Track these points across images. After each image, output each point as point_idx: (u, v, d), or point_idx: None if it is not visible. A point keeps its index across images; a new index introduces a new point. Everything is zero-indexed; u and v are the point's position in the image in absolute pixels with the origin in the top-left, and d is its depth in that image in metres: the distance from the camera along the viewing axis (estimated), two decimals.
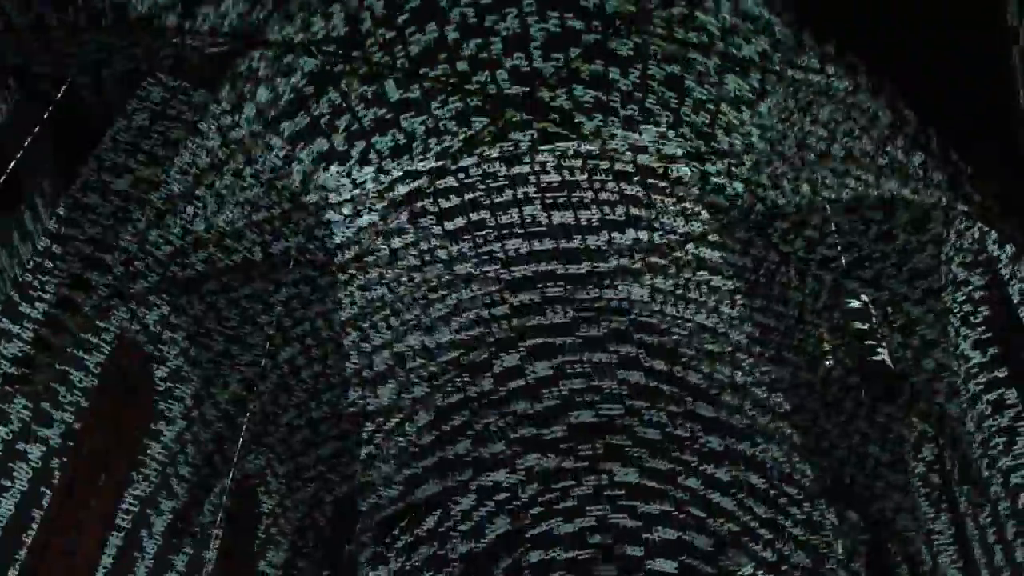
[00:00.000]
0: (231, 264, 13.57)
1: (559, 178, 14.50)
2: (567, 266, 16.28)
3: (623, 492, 22.94)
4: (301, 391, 16.39)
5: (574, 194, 14.77)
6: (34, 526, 11.03)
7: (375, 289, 15.63)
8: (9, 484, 10.78)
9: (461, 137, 13.54)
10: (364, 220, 14.46)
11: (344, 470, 18.20)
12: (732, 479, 20.62)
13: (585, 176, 14.40)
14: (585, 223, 15.34)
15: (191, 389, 14.60)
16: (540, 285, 16.71)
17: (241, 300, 14.43)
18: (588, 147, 13.76)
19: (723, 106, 12.00)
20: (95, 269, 11.76)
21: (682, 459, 21.34)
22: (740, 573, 22.51)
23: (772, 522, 20.60)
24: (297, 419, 16.81)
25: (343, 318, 15.75)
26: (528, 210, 15.16)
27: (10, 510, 10.70)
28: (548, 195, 14.86)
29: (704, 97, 12.07)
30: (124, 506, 13.07)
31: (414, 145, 13.54)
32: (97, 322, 12.61)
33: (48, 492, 11.33)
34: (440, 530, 21.82)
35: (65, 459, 11.73)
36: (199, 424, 14.71)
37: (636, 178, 14.22)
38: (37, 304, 11.42)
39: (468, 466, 20.97)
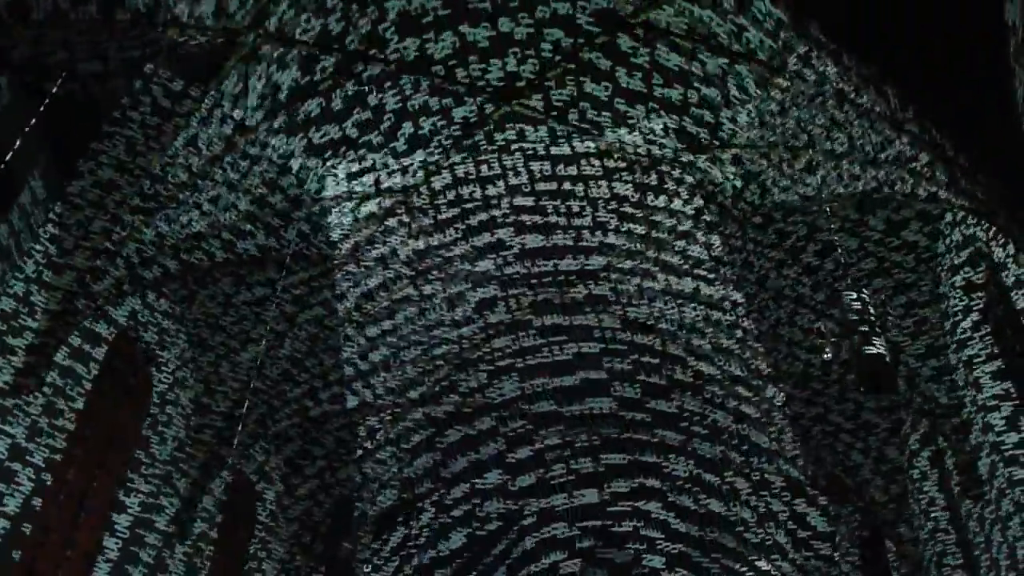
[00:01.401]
0: (225, 260, 13.52)
1: (554, 173, 14.49)
2: (561, 261, 16.26)
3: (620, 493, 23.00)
4: (296, 388, 16.34)
5: (568, 187, 14.74)
6: (31, 524, 10.99)
7: (367, 285, 15.60)
8: (7, 483, 10.75)
9: (457, 134, 13.52)
10: (361, 216, 14.43)
11: (340, 467, 18.17)
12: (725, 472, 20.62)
13: (580, 169, 14.39)
14: (581, 217, 15.32)
15: (188, 386, 14.56)
16: (534, 281, 16.71)
17: (239, 294, 14.39)
18: (584, 140, 13.74)
19: (719, 99, 11.99)
20: (91, 265, 11.72)
21: (675, 459, 21.35)
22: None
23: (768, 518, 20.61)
24: (293, 416, 16.76)
25: (337, 314, 15.71)
26: (521, 204, 15.14)
27: (7, 508, 10.67)
28: (542, 190, 14.83)
29: (700, 90, 12.06)
30: (120, 503, 13.04)
31: (411, 142, 13.53)
32: (94, 318, 12.57)
33: (45, 491, 11.28)
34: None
35: (62, 457, 11.68)
36: (196, 421, 14.66)
37: (631, 171, 14.20)
38: (34, 302, 11.37)
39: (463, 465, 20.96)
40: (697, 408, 19.12)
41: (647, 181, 14.22)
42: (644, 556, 23.95)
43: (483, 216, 15.19)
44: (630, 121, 13.19)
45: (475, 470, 21.19)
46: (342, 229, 14.46)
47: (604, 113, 13.17)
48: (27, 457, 11.12)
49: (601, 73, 12.45)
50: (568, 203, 15.05)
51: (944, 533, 14.38)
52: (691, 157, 13.31)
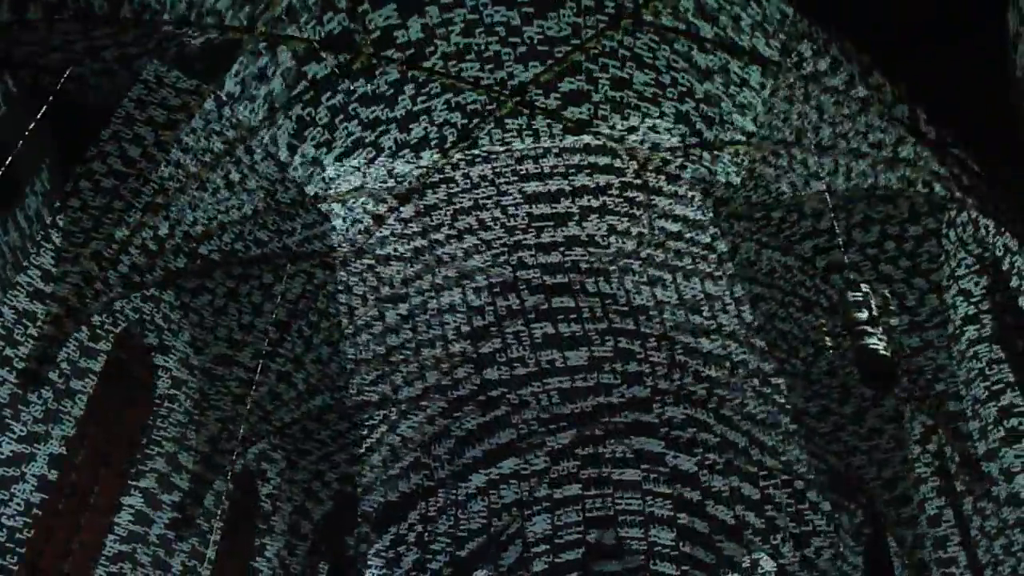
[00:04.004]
0: (232, 257, 13.55)
1: (554, 171, 14.48)
2: (564, 259, 16.26)
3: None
4: (300, 384, 16.38)
5: (572, 186, 14.74)
6: (34, 522, 11.03)
7: (372, 282, 15.62)
8: (9, 482, 10.80)
9: (459, 133, 13.52)
10: (363, 215, 14.45)
11: (344, 463, 18.21)
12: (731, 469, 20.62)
13: (583, 167, 14.38)
14: (582, 214, 15.33)
15: (192, 383, 14.60)
16: (541, 277, 16.70)
17: (242, 293, 14.43)
18: (584, 137, 13.74)
19: (722, 94, 11.98)
20: (94, 263, 11.75)
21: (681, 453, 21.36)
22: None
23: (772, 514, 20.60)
24: (296, 412, 16.80)
25: (342, 310, 15.74)
26: (526, 204, 15.14)
27: (10, 506, 10.72)
28: (544, 188, 14.83)
29: (703, 85, 12.05)
30: (124, 500, 13.09)
31: (415, 141, 13.53)
32: (98, 316, 12.60)
33: (48, 488, 11.33)
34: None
35: (65, 455, 11.73)
36: (198, 418, 14.70)
37: (633, 168, 14.19)
38: (36, 300, 11.41)
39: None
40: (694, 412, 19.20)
41: (650, 176, 14.22)
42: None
43: (484, 214, 15.22)
44: (634, 116, 13.19)
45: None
46: (343, 227, 14.48)
47: (607, 109, 13.17)
48: (31, 455, 11.18)
49: (605, 68, 12.44)
50: (571, 200, 15.07)
51: (947, 531, 14.36)
52: (694, 152, 13.31)
